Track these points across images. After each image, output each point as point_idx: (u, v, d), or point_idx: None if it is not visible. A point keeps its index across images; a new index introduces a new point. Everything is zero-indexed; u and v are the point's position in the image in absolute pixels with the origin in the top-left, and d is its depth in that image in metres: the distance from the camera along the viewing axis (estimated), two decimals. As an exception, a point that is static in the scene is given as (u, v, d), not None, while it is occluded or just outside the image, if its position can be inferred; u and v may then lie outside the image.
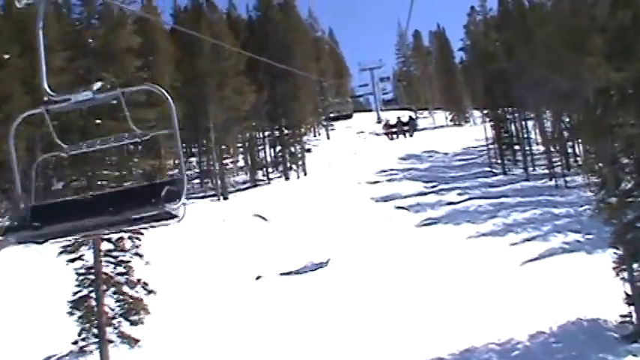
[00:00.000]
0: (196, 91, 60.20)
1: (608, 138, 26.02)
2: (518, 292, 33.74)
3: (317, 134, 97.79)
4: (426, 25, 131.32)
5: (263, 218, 48.57)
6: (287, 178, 66.89)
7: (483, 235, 43.57)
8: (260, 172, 68.90)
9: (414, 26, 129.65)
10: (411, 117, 42.41)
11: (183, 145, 67.26)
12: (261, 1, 72.30)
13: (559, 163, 59.58)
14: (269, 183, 66.20)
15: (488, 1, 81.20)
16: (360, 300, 34.04)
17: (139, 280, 29.98)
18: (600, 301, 31.10)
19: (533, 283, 34.77)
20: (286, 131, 68.92)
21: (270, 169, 68.95)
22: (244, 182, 67.07)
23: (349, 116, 56.47)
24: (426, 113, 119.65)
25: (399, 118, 41.56)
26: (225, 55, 61.10)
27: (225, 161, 61.62)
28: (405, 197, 54.67)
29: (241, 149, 69.71)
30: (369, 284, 35.77)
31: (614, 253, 30.12)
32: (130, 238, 29.87)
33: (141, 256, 29.81)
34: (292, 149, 69.01)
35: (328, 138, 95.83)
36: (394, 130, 39.90)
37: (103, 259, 29.96)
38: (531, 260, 38.26)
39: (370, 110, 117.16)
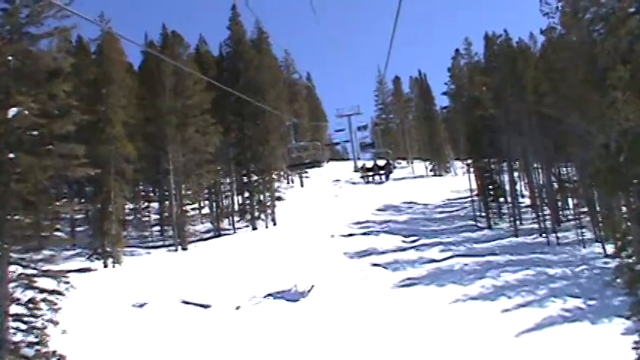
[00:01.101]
0: (157, 130, 55.10)
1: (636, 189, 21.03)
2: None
3: (290, 181, 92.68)
4: (407, 71, 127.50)
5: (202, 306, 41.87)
6: (254, 228, 61.47)
7: (471, 298, 38.10)
8: (226, 221, 63.46)
9: (395, 72, 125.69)
10: (388, 160, 41.40)
11: (141, 188, 61.84)
12: (232, 36, 67.67)
13: (548, 218, 54.77)
14: (235, 233, 60.68)
15: (473, 45, 76.80)
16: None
17: (53, 352, 24.26)
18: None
19: (530, 357, 29.43)
20: (255, 177, 63.61)
21: (236, 218, 63.46)
22: (208, 231, 61.58)
23: (317, 164, 49.10)
24: (404, 163, 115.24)
25: (375, 161, 40.95)
26: (189, 92, 56.22)
27: (186, 208, 56.02)
28: (382, 253, 49.29)
29: (206, 195, 64.34)
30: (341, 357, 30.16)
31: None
32: (44, 300, 24.24)
33: (55, 323, 24.05)
34: (261, 197, 63.68)
35: (302, 186, 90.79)
36: (370, 173, 37.46)
37: (11, 324, 24.28)
38: (528, 331, 32.76)
39: (347, 159, 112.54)
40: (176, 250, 52.51)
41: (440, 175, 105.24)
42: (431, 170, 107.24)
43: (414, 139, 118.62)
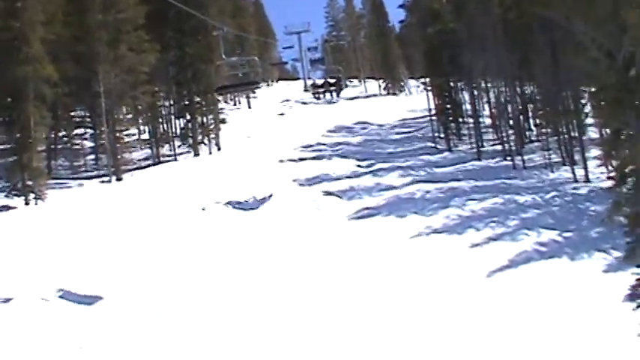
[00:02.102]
0: (87, 49, 49.46)
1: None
2: (486, 314, 24.72)
3: (237, 102, 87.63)
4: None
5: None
6: (197, 154, 56.80)
7: (435, 231, 34.35)
8: (167, 147, 58.55)
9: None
10: (338, 77, 38.50)
11: (73, 114, 56.31)
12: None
13: (511, 140, 51.18)
14: (175, 160, 55.97)
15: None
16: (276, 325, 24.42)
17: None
18: (599, 331, 22.36)
19: (505, 302, 25.83)
20: (197, 99, 58.48)
21: (177, 143, 58.57)
22: (147, 158, 56.74)
23: (253, 85, 44.51)
24: (356, 82, 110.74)
25: (325, 79, 37.23)
26: (121, 5, 50.55)
27: (120, 134, 50.91)
28: (336, 179, 45.17)
29: (143, 120, 59.14)
30: (288, 305, 26.15)
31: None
32: None
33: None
34: (204, 120, 58.78)
35: (249, 107, 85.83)
36: (320, 89, 34.60)
37: None
38: (501, 269, 29.18)
39: (298, 78, 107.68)
40: (110, 181, 47.73)
41: (394, 94, 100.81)
42: (384, 89, 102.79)
43: (367, 57, 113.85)
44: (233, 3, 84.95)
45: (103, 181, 48.08)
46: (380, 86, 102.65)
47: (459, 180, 44.06)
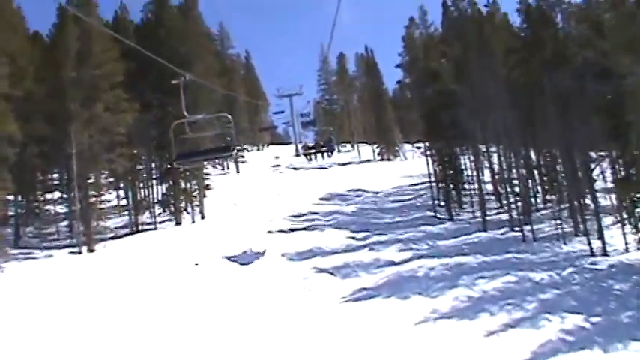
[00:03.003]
0: (59, 107, 45.71)
1: None
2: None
3: (225, 167, 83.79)
4: (353, 49, 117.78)
5: None
6: (178, 223, 52.57)
7: (444, 316, 29.88)
8: (147, 214, 54.31)
9: (341, 50, 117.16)
10: (330, 138, 38.59)
11: (45, 177, 52.21)
12: (154, 1, 58.61)
13: (515, 208, 47.17)
14: (155, 229, 51.69)
15: (429, 15, 69.17)
16: None
17: None
18: None
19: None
20: (179, 163, 54.17)
21: (158, 210, 54.37)
22: (124, 227, 52.48)
23: (225, 152, 37.24)
24: (349, 146, 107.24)
25: (317, 140, 39.58)
26: (98, 60, 47.03)
27: (95, 200, 46.63)
28: (329, 254, 40.99)
29: (120, 185, 55.02)
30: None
31: None
32: None
33: None
34: (187, 185, 54.72)
35: (238, 172, 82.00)
36: (312, 151, 33.28)
37: None
38: (525, 364, 24.91)
39: (289, 143, 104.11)
40: (80, 252, 43.36)
41: (388, 160, 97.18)
42: (378, 154, 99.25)
43: (360, 121, 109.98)
44: (221, 63, 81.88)
45: (72, 252, 43.66)
46: (374, 151, 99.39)
47: (465, 254, 39.83)
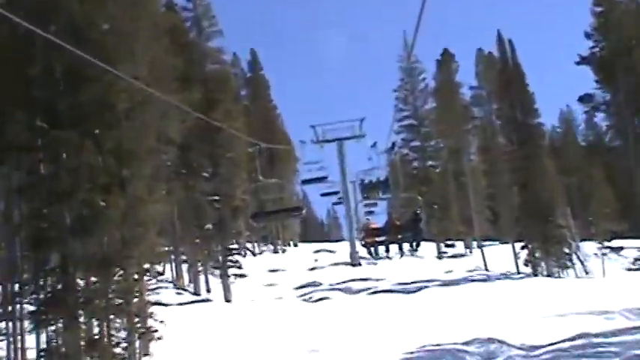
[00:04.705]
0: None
1: None
2: None
3: (207, 289, 54.15)
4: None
5: None
6: None
7: None
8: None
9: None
10: (415, 213, 23.94)
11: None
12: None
13: None
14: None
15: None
16: None
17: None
18: None
19: None
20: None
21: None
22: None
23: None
24: (460, 245, 68.47)
25: (391, 217, 24.52)
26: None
27: None
28: None
29: None
30: None
31: None
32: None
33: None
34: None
35: (228, 300, 51.00)
36: (378, 239, 22.27)
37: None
38: None
39: (333, 240, 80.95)
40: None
41: (549, 276, 56.20)
42: (526, 262, 58.51)
43: (480, 191, 68.18)
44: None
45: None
46: (516, 255, 59.38)
47: None
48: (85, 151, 26.24)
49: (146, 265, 32.08)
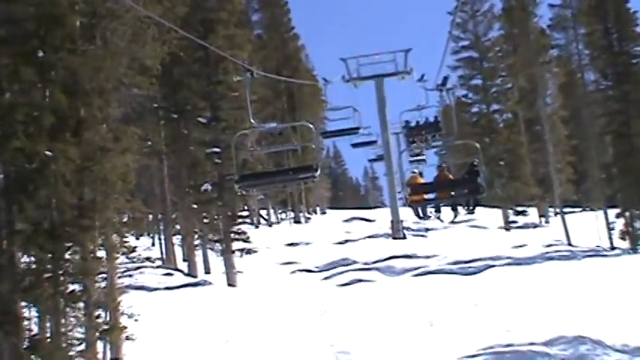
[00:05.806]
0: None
1: None
2: None
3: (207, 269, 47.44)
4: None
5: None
6: None
7: None
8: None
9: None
10: (472, 164, 21.53)
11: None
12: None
13: None
14: None
15: None
16: None
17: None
18: None
19: None
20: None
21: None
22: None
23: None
24: (534, 212, 63.46)
25: (441, 165, 24.24)
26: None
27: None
28: None
29: None
30: None
31: None
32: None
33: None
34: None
35: (231, 285, 44.17)
36: (427, 197, 19.27)
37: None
38: None
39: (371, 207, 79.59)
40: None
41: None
42: (623, 236, 48.41)
43: (562, 147, 60.99)
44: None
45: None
46: (609, 227, 49.60)
47: None
48: (23, 80, 22.32)
49: (115, 238, 27.10)
